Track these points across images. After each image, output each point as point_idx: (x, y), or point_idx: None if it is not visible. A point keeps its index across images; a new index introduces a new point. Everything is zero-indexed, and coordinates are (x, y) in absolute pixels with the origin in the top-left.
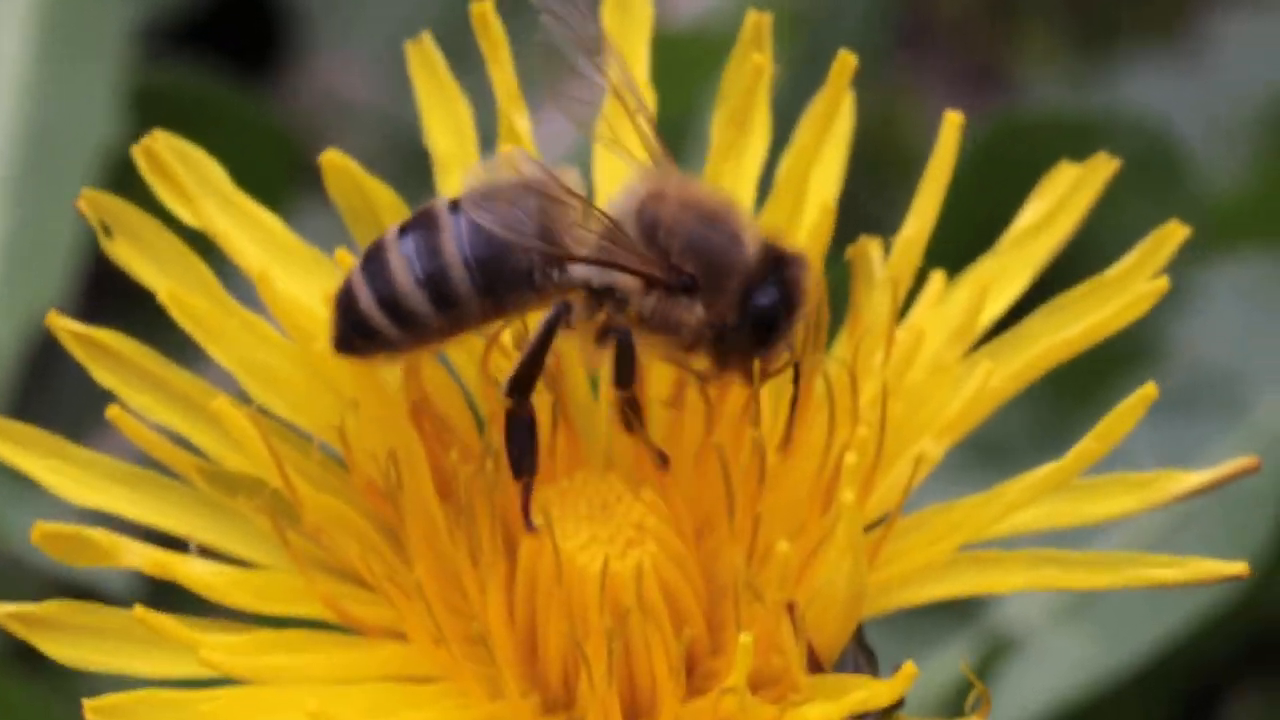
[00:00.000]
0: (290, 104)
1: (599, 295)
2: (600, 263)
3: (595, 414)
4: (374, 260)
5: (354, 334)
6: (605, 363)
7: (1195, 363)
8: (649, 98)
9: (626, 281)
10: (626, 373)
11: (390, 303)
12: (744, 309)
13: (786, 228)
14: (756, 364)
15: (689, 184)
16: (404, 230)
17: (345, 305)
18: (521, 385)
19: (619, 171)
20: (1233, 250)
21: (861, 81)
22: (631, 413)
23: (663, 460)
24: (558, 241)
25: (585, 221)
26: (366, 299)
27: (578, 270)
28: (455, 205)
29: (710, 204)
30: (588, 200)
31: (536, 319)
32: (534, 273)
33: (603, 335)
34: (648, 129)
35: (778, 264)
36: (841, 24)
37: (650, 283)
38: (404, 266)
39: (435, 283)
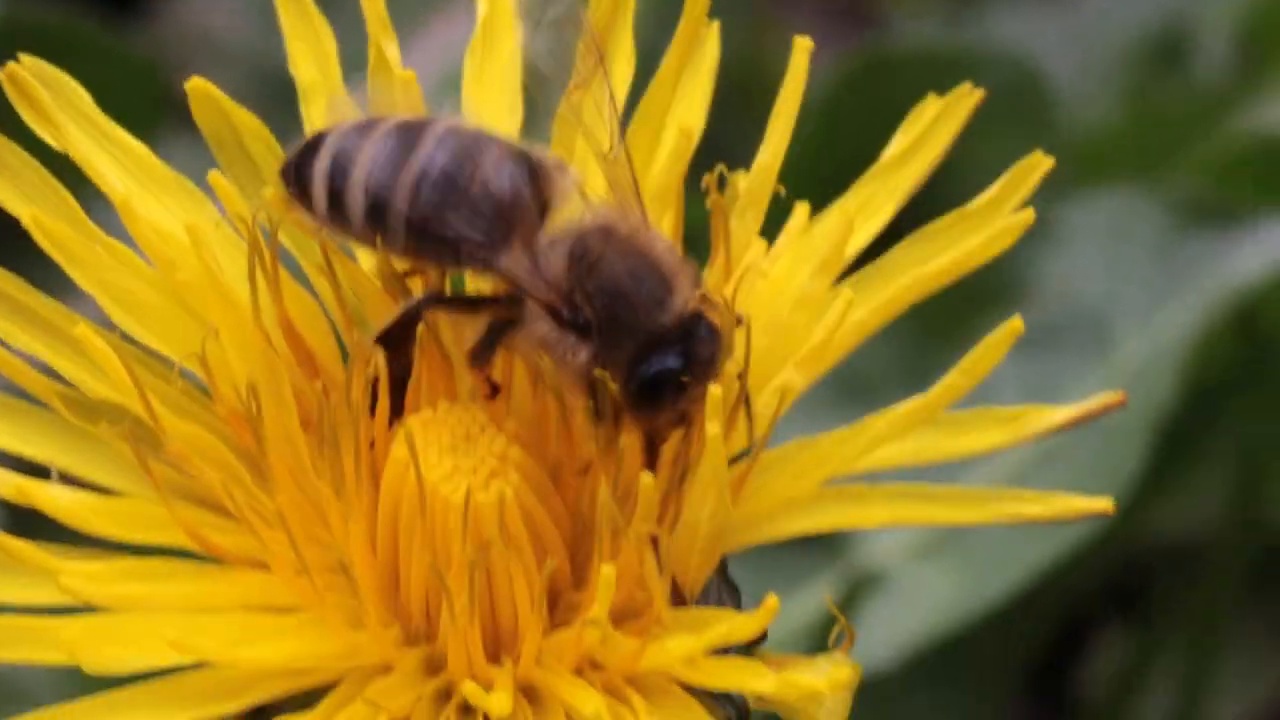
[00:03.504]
0: (155, 40)
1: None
2: (510, 278)
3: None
4: (357, 135)
5: (295, 175)
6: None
7: (1061, 298)
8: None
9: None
10: (481, 355)
11: (336, 184)
12: (632, 371)
13: (646, 156)
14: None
15: (642, 233)
16: (400, 126)
17: (307, 150)
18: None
19: (488, 103)
20: (1099, 186)
21: (730, 17)
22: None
23: (494, 391)
24: (503, 235)
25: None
26: (322, 164)
27: (504, 264)
28: (447, 138)
29: (652, 259)
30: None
31: None
32: (461, 249)
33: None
34: (619, 136)
35: (689, 335)
36: None
37: (549, 309)
38: (367, 162)
39: (378, 196)
